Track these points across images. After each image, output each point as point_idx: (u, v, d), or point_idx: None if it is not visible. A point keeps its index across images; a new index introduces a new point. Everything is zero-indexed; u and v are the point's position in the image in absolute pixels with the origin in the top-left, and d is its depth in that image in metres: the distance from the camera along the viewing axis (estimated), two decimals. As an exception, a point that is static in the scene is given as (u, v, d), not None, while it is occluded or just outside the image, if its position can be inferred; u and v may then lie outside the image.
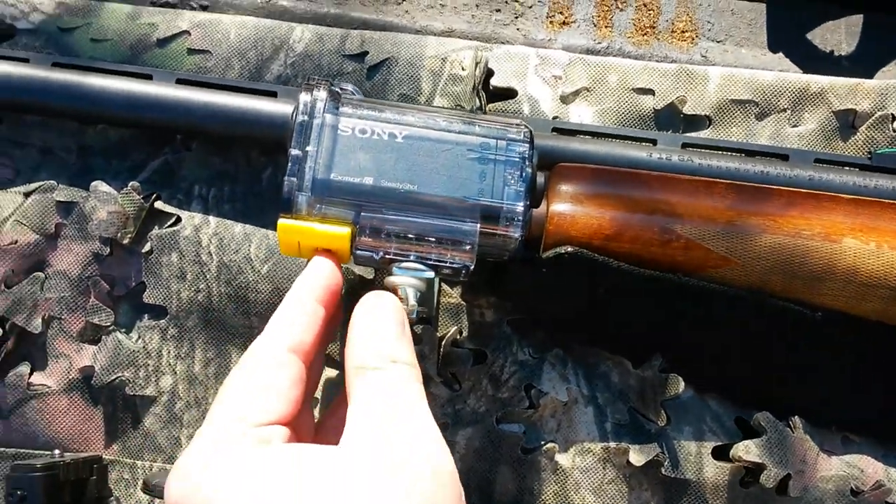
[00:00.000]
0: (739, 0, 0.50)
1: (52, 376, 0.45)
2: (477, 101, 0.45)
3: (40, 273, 0.45)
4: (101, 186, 0.44)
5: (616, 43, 0.48)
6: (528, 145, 0.39)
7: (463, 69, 0.46)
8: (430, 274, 0.38)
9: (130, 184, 0.44)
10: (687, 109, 0.47)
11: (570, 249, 0.40)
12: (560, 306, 0.43)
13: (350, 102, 0.39)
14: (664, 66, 0.47)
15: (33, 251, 0.45)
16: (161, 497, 0.30)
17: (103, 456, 0.45)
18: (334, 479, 0.27)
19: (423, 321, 0.42)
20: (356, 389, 0.31)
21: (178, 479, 0.29)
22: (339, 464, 0.28)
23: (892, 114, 0.46)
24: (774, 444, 0.42)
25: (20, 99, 0.43)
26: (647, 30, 0.49)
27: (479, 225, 0.37)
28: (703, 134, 0.47)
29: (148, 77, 0.44)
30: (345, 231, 0.36)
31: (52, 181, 0.45)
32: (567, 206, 0.40)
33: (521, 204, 0.38)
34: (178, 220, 0.45)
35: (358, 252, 0.37)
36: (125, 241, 0.44)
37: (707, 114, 0.47)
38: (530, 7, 0.49)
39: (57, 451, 0.44)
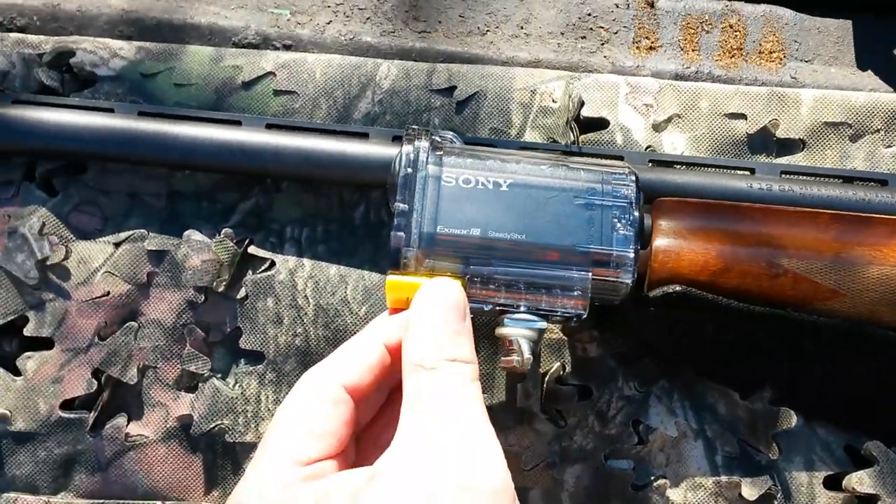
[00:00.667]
0: (825, 18, 0.50)
1: (150, 426, 0.46)
2: (570, 133, 0.46)
3: (134, 323, 0.46)
4: (193, 235, 0.45)
5: (704, 66, 0.49)
6: (633, 187, 0.39)
7: (554, 101, 0.46)
8: (543, 325, 0.38)
9: (224, 231, 0.45)
10: (780, 133, 0.47)
11: (678, 289, 0.40)
12: (665, 341, 0.43)
13: (452, 151, 0.39)
14: (755, 89, 0.48)
15: (126, 301, 0.46)
16: None
17: (203, 504, 0.45)
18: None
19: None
20: (409, 388, 0.32)
21: None
22: (386, 489, 0.29)
23: None
24: (887, 474, 0.43)
25: (108, 150, 0.44)
26: (735, 52, 0.49)
27: (590, 273, 0.38)
28: (798, 157, 0.47)
29: (237, 123, 0.44)
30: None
31: (142, 230, 0.46)
32: (671, 242, 0.41)
33: (632, 249, 0.38)
34: (273, 264, 0.46)
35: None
36: (220, 289, 0.45)
37: (801, 137, 0.48)
38: (616, 33, 0.49)
39: (158, 502, 0.45)
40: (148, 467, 0.46)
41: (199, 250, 0.45)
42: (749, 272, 0.41)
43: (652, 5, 0.50)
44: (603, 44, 0.49)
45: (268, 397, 0.46)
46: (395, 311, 0.37)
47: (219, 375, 0.46)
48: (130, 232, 0.46)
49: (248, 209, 0.47)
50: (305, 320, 0.46)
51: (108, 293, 0.46)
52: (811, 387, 0.45)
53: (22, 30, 0.48)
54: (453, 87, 0.47)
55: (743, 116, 0.48)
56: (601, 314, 0.45)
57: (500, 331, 0.38)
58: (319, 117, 0.47)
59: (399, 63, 0.48)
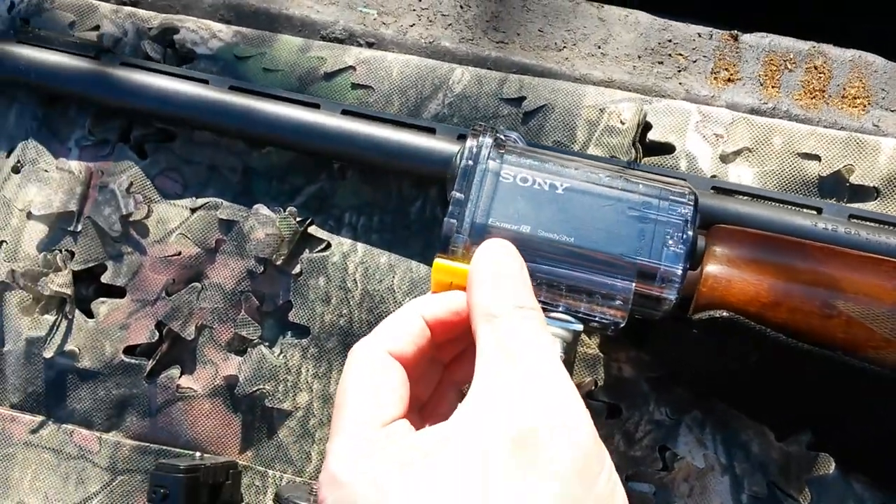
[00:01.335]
0: (919, 67, 0.48)
1: (199, 381, 0.48)
2: (633, 154, 0.46)
3: (198, 284, 0.48)
4: (261, 209, 0.47)
5: (783, 104, 0.48)
6: (691, 207, 0.39)
7: (621, 122, 0.46)
8: (579, 327, 0.38)
9: (289, 209, 0.47)
10: (854, 179, 0.45)
11: (725, 314, 0.39)
12: (704, 369, 0.42)
13: (514, 150, 0.40)
14: (833, 132, 0.46)
15: (193, 263, 0.48)
16: None
17: (237, 461, 0.47)
18: (466, 457, 0.28)
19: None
20: (482, 339, 0.32)
21: (330, 487, 0.30)
22: (467, 439, 0.28)
23: None
24: (926, 544, 0.40)
25: (199, 117, 0.47)
26: (817, 93, 0.48)
27: (634, 283, 0.38)
28: (870, 206, 0.45)
29: (316, 106, 0.47)
30: None
31: (216, 199, 0.49)
32: (723, 269, 0.40)
33: (680, 266, 0.38)
34: (328, 245, 0.48)
35: None
36: (278, 262, 0.47)
37: (875, 185, 0.45)
38: (694, 61, 0.49)
39: (198, 454, 0.48)
40: (192, 419, 0.48)
41: (265, 224, 0.48)
42: (800, 309, 0.39)
43: (736, 38, 0.50)
44: (680, 71, 0.49)
45: (308, 370, 0.48)
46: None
47: (266, 343, 0.48)
48: (206, 200, 0.49)
49: (313, 192, 0.48)
50: (351, 303, 0.47)
51: (180, 253, 0.49)
52: (854, 437, 0.42)
53: (135, 4, 0.52)
54: (522, 98, 0.47)
55: (817, 158, 0.46)
56: (643, 333, 0.44)
57: None
58: (391, 113, 0.49)
59: (473, 70, 0.48)
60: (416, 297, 0.46)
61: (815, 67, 0.49)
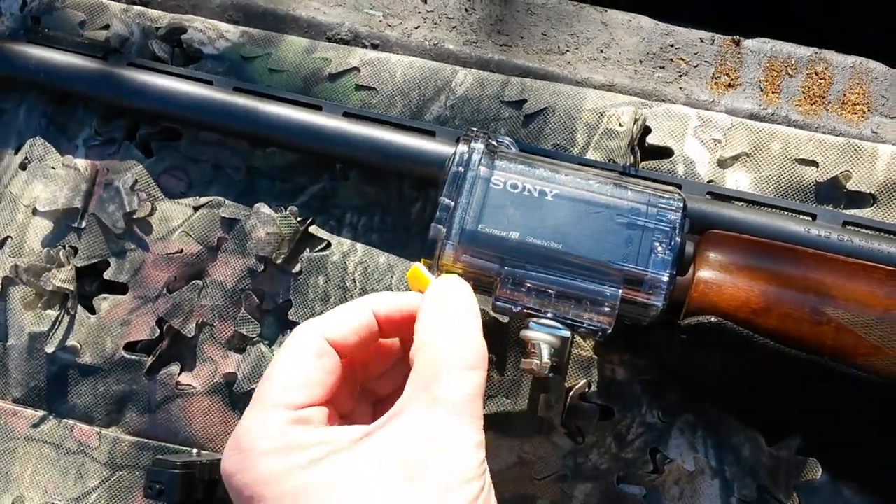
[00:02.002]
0: (920, 75, 0.51)
1: (199, 378, 0.51)
2: (631, 157, 0.48)
3: (199, 281, 0.51)
4: (262, 208, 0.50)
5: (782, 110, 0.50)
6: (679, 214, 0.41)
7: (620, 125, 0.49)
8: (566, 333, 0.41)
9: (290, 208, 0.50)
10: (851, 185, 0.48)
11: (713, 319, 0.41)
12: (695, 372, 0.45)
13: (505, 156, 0.42)
14: (831, 138, 0.48)
15: (195, 261, 0.51)
16: None
17: (235, 460, 0.50)
18: (353, 463, 0.32)
19: (553, 370, 0.45)
20: (415, 363, 0.35)
21: (232, 451, 0.34)
22: (364, 450, 0.33)
23: None
24: (913, 550, 0.42)
25: (203, 117, 0.50)
26: (817, 99, 0.50)
27: (620, 290, 0.40)
28: (867, 213, 0.48)
29: (318, 108, 0.50)
30: None
31: (219, 197, 0.52)
32: (715, 275, 0.42)
33: (667, 273, 0.40)
34: (328, 245, 0.51)
35: (497, 303, 0.41)
36: (278, 261, 0.50)
37: (872, 192, 0.48)
38: (696, 66, 0.51)
39: (195, 450, 0.50)
40: (191, 416, 0.51)
41: (266, 223, 0.51)
42: (790, 316, 0.42)
43: (737, 44, 0.52)
44: (681, 75, 0.52)
45: (306, 369, 0.51)
46: None
47: (266, 342, 0.51)
48: (209, 198, 0.52)
49: (315, 192, 0.51)
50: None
51: (182, 251, 0.52)
52: (844, 442, 0.44)
53: (144, 3, 0.55)
54: (523, 101, 0.50)
55: (814, 164, 0.48)
56: (633, 337, 0.47)
57: (525, 333, 0.41)
58: (393, 114, 0.51)
59: (476, 72, 0.51)
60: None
61: (817, 73, 0.51)
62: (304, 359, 0.36)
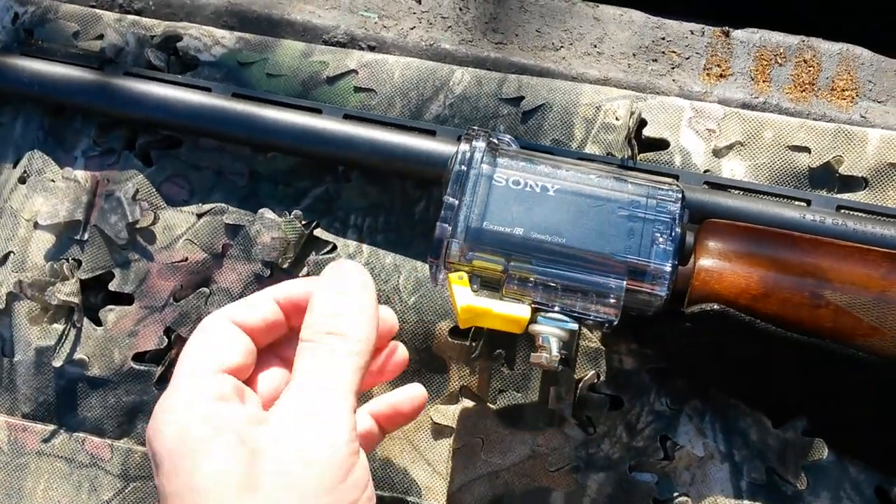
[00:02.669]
0: (905, 60, 0.54)
1: (208, 385, 0.53)
2: (628, 150, 0.51)
3: (206, 289, 0.53)
4: (266, 213, 0.53)
5: (773, 98, 0.53)
6: (679, 205, 0.44)
7: (616, 119, 0.52)
8: (574, 326, 0.43)
9: (294, 212, 0.52)
10: (843, 170, 0.51)
11: (716, 307, 0.44)
12: (701, 359, 0.48)
13: (507, 153, 0.45)
14: (822, 124, 0.52)
15: (201, 268, 0.53)
16: None
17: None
18: (246, 438, 0.36)
19: (562, 362, 0.48)
20: (296, 358, 0.39)
21: (157, 414, 0.38)
22: (258, 428, 0.36)
23: None
24: (916, 519, 0.45)
25: (202, 125, 0.52)
26: (806, 86, 0.53)
27: (625, 281, 0.43)
28: (859, 196, 0.51)
29: (318, 111, 0.52)
30: (525, 315, 0.42)
31: (223, 204, 0.54)
32: (715, 263, 0.45)
33: (669, 263, 0.43)
34: (334, 247, 0.53)
35: (504, 299, 0.43)
36: (284, 265, 0.52)
37: (864, 175, 0.51)
38: (687, 58, 0.54)
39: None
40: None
41: (270, 228, 0.53)
42: (790, 300, 0.45)
43: (727, 34, 0.55)
44: (673, 68, 0.55)
45: (317, 371, 0.53)
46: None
47: (276, 346, 0.53)
48: (212, 205, 0.54)
49: (318, 195, 0.54)
50: (359, 303, 0.53)
51: (186, 259, 0.54)
52: (847, 422, 0.48)
53: (138, 13, 0.57)
54: (521, 98, 0.53)
55: (807, 150, 0.51)
56: (641, 327, 0.50)
57: (533, 328, 0.43)
58: (393, 115, 0.53)
59: (473, 70, 0.54)
60: (419, 297, 0.51)
61: (805, 61, 0.54)
62: (215, 336, 0.40)
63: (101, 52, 0.55)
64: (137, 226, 0.54)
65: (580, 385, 0.50)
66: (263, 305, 0.42)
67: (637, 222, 0.43)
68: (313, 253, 0.53)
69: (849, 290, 0.44)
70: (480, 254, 0.43)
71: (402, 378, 0.50)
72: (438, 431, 0.50)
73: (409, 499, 0.50)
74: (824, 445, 0.47)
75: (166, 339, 0.53)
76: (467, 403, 0.51)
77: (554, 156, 0.48)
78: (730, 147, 0.52)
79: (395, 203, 0.53)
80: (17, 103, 0.56)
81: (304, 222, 0.53)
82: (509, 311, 0.42)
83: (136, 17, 0.57)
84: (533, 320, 0.43)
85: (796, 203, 0.49)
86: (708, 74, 0.54)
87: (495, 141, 0.46)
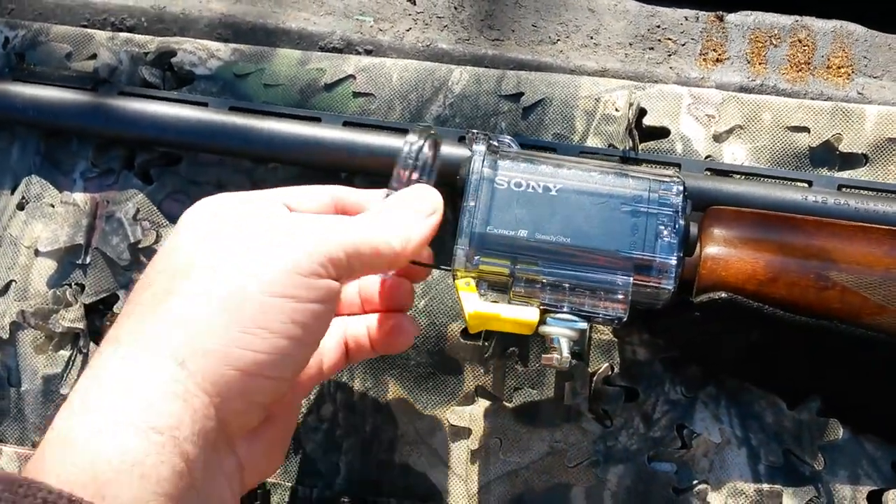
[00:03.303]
0: (898, 34, 0.56)
1: (223, 400, 0.55)
2: (629, 140, 0.53)
3: (214, 303, 0.55)
4: (272, 224, 0.54)
5: (770, 80, 0.55)
6: (681, 197, 0.46)
7: (616, 110, 0.54)
8: (584, 325, 0.45)
9: (299, 221, 0.54)
10: (843, 147, 0.53)
11: (724, 295, 0.46)
12: (713, 347, 0.50)
13: (507, 155, 0.47)
14: (819, 103, 0.54)
15: (208, 283, 0.55)
16: None
17: (266, 480, 0.54)
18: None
19: (575, 356, 0.50)
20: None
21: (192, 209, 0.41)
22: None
23: None
24: (933, 491, 0.48)
25: (200, 141, 0.54)
26: (802, 66, 0.55)
27: (632, 277, 0.44)
28: (860, 172, 0.53)
29: (317, 120, 0.53)
30: (534, 317, 0.44)
31: (226, 218, 0.55)
32: (720, 250, 0.47)
33: (674, 257, 0.44)
34: (341, 255, 0.54)
35: (513, 302, 0.45)
36: (292, 275, 0.54)
37: (864, 152, 0.53)
38: (683, 45, 0.56)
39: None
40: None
41: (276, 239, 0.54)
42: (797, 283, 0.47)
43: (721, 19, 0.57)
44: (670, 55, 0.57)
45: (330, 381, 0.54)
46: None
47: (287, 357, 0.55)
48: (214, 220, 0.56)
49: (321, 203, 0.56)
50: (369, 309, 0.55)
51: (192, 275, 0.56)
52: (860, 399, 0.50)
53: (131, 30, 0.58)
54: (521, 94, 0.55)
55: (806, 130, 0.53)
56: (651, 318, 0.52)
57: (543, 329, 0.44)
58: (393, 118, 0.55)
59: (471, 69, 0.55)
60: (429, 299, 0.53)
61: (800, 41, 0.56)
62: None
63: (94, 72, 0.57)
64: (140, 246, 0.55)
65: (595, 378, 0.52)
66: (321, 197, 0.44)
67: (640, 217, 0.45)
68: (320, 262, 0.55)
69: (854, 269, 0.46)
70: (486, 258, 0.45)
71: (418, 382, 0.52)
72: (455, 433, 0.52)
73: None
74: (839, 425, 0.49)
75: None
76: (483, 403, 0.53)
77: (555, 153, 0.50)
78: (730, 131, 0.54)
79: (398, 207, 0.55)
80: (13, 129, 0.58)
81: (308, 232, 0.54)
82: (518, 315, 0.44)
83: (129, 35, 0.58)
84: (542, 322, 0.45)
85: (798, 184, 0.51)
86: (704, 60, 0.56)
87: (495, 143, 0.47)
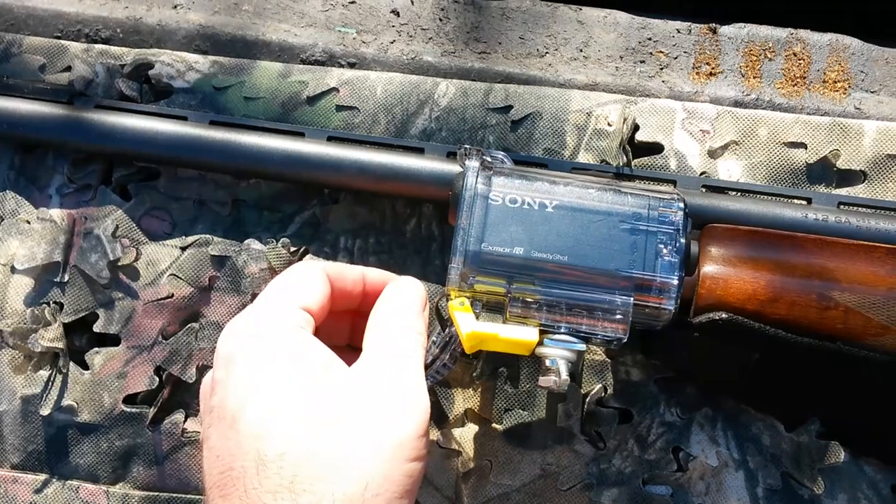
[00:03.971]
0: (894, 48, 0.53)
1: (204, 423, 0.51)
2: (623, 156, 0.50)
3: (195, 324, 0.52)
4: (253, 244, 0.51)
5: (765, 94, 0.53)
6: (681, 214, 0.43)
7: (609, 125, 0.51)
8: (582, 346, 0.42)
9: (281, 240, 0.51)
10: (841, 164, 0.51)
11: (724, 315, 0.44)
12: (710, 369, 0.47)
13: (501, 171, 0.44)
14: (816, 119, 0.51)
15: (188, 304, 0.52)
16: None
17: (252, 502, 0.51)
18: (325, 376, 0.37)
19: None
20: (372, 335, 0.40)
21: (227, 336, 0.39)
22: (336, 367, 0.38)
23: None
24: (936, 517, 0.45)
25: (180, 155, 0.51)
26: (798, 80, 0.53)
27: (632, 297, 0.42)
28: (859, 189, 0.50)
29: (300, 134, 0.50)
30: (533, 338, 0.41)
31: (207, 235, 0.52)
32: (719, 269, 0.45)
33: (676, 276, 0.42)
34: (326, 273, 0.51)
35: (508, 322, 0.42)
36: (276, 294, 0.51)
37: (862, 168, 0.51)
38: (675, 58, 0.53)
39: (209, 497, 0.51)
40: (202, 463, 0.52)
41: (257, 259, 0.51)
42: (798, 303, 0.44)
43: (714, 31, 0.54)
44: (662, 68, 0.54)
45: (316, 402, 0.52)
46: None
47: (271, 378, 0.52)
48: (196, 237, 0.52)
49: (305, 219, 0.52)
50: (355, 329, 0.52)
51: (172, 295, 0.52)
52: (861, 422, 0.47)
53: (106, 41, 0.55)
54: (509, 107, 0.52)
55: (803, 146, 0.51)
56: (646, 338, 0.49)
57: (540, 350, 0.42)
58: (378, 132, 0.52)
59: (457, 82, 0.52)
60: (419, 318, 0.50)
61: (795, 54, 0.53)
62: (300, 275, 0.41)
63: (69, 84, 0.53)
64: (119, 263, 0.52)
65: (587, 400, 0.49)
66: (353, 275, 0.44)
67: (640, 235, 0.42)
68: (305, 280, 0.52)
69: (857, 289, 0.44)
70: (481, 277, 0.42)
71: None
72: (445, 456, 0.49)
73: (420, 529, 0.49)
74: (840, 449, 0.46)
75: (157, 379, 0.52)
76: (473, 426, 0.50)
77: (548, 169, 0.47)
78: (725, 147, 0.51)
79: (385, 223, 0.52)
80: (-15, 143, 0.54)
81: (292, 249, 0.51)
82: (516, 335, 0.41)
83: (105, 47, 0.55)
84: (539, 342, 0.42)
85: (797, 202, 0.49)
86: (697, 73, 0.53)
87: (489, 159, 0.45)
